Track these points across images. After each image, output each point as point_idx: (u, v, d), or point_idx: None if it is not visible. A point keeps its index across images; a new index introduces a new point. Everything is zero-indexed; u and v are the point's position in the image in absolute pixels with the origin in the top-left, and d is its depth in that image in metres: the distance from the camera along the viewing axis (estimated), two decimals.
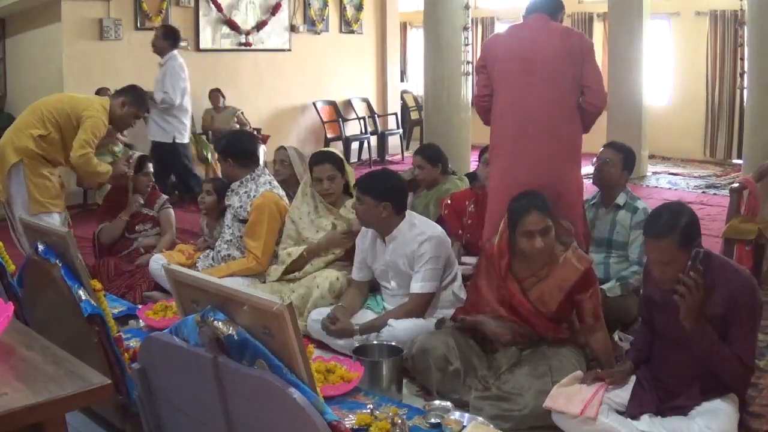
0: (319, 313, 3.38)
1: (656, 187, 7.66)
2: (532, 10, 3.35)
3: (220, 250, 3.98)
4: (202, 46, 8.05)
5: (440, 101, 6.97)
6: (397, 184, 3.31)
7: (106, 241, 4.37)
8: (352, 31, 9.69)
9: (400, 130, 10.07)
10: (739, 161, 7.00)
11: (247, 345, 1.68)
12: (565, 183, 3.19)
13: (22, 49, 7.47)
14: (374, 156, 9.56)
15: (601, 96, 3.27)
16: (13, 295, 2.49)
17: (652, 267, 2.44)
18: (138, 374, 2.03)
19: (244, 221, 3.91)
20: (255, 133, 7.39)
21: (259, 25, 8.56)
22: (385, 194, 3.20)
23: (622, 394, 2.55)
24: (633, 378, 2.59)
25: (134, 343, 2.90)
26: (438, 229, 3.31)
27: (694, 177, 8.18)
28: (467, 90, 7.00)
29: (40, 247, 2.39)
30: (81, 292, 2.27)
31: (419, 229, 3.24)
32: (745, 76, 5.71)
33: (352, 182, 3.72)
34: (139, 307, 3.57)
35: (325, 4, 9.28)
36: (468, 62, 7.01)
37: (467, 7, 7.02)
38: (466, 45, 7.00)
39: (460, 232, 4.12)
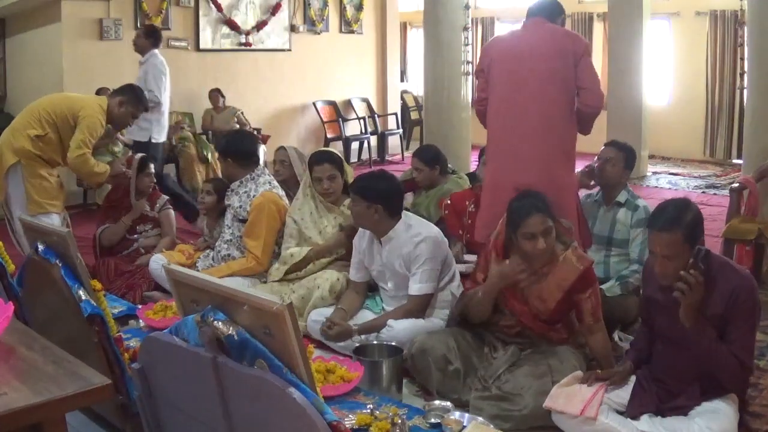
0: (319, 314, 3.37)
1: (656, 187, 7.66)
2: (531, 14, 3.39)
3: (220, 250, 3.98)
4: (202, 46, 8.06)
5: (440, 101, 6.97)
6: (390, 187, 3.27)
7: (108, 243, 4.37)
8: (352, 31, 9.69)
9: (400, 130, 10.07)
10: (739, 161, 7.01)
11: (247, 345, 1.68)
12: (558, 182, 3.18)
13: (22, 49, 7.47)
14: (374, 156, 9.56)
15: (597, 97, 3.27)
16: (13, 295, 2.49)
17: (654, 261, 2.43)
18: (138, 374, 2.03)
19: (243, 221, 3.91)
20: (255, 133, 7.39)
21: (259, 25, 8.56)
22: (376, 197, 3.19)
23: (622, 394, 2.55)
24: (633, 378, 2.59)
25: (134, 343, 2.90)
26: (434, 230, 3.31)
27: (694, 177, 8.19)
28: (467, 90, 7.01)
29: (40, 247, 2.39)
30: (81, 292, 2.27)
31: (415, 230, 3.23)
32: (745, 76, 5.71)
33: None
34: (139, 307, 3.58)
35: (325, 4, 9.28)
36: (468, 62, 7.01)
37: (467, 7, 7.03)
38: (466, 45, 7.00)
39: (460, 232, 4.12)
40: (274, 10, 8.67)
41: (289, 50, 8.93)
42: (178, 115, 7.37)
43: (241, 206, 3.92)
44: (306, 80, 9.08)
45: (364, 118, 9.48)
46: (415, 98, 10.87)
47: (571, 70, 3.20)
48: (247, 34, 8.45)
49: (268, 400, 1.65)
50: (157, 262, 3.93)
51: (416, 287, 3.20)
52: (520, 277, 2.80)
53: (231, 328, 1.69)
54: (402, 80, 11.19)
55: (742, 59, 8.27)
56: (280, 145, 4.52)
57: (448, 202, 4.20)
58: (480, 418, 2.47)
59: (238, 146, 3.98)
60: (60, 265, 2.31)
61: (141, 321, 3.36)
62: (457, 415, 2.46)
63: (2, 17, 7.56)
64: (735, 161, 8.67)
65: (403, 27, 11.69)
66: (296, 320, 1.61)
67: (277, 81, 8.79)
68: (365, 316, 3.34)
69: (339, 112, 9.32)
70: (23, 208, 3.91)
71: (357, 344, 3.01)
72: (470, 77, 7.08)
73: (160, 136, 5.75)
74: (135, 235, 4.41)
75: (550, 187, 3.03)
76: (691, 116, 9.18)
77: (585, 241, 3.36)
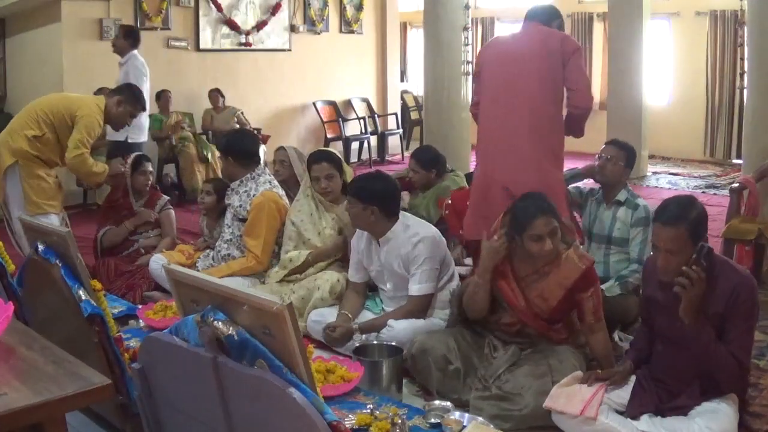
0: (319, 314, 3.37)
1: (656, 187, 7.66)
2: (527, 19, 3.44)
3: (220, 250, 3.98)
4: (202, 46, 8.06)
5: (440, 101, 6.97)
6: (386, 188, 3.26)
7: (109, 245, 4.37)
8: (352, 31, 9.70)
9: (400, 130, 10.07)
10: (739, 161, 7.00)
11: (247, 345, 1.68)
12: (547, 181, 3.17)
13: (22, 49, 7.47)
14: (374, 156, 9.56)
15: (585, 97, 3.27)
16: (13, 295, 2.50)
17: (657, 256, 2.44)
18: (138, 374, 2.03)
19: (243, 220, 3.91)
20: (255, 133, 7.39)
21: (259, 25, 8.56)
22: (372, 198, 3.18)
23: (622, 394, 2.55)
24: (633, 378, 2.59)
25: (134, 343, 2.91)
26: (432, 230, 3.31)
27: (694, 177, 8.19)
28: (467, 90, 7.00)
29: (40, 247, 2.39)
30: (81, 292, 2.27)
31: (413, 231, 3.23)
32: (745, 76, 5.71)
33: None
34: (139, 307, 3.58)
35: (325, 4, 9.28)
36: (468, 62, 7.01)
37: (467, 7, 7.02)
38: (466, 45, 7.00)
39: (461, 231, 4.12)
40: (274, 10, 8.67)
41: (289, 50, 8.93)
42: (178, 115, 7.37)
43: (241, 205, 3.92)
44: (306, 80, 9.08)
45: (364, 118, 9.48)
46: (415, 98, 10.87)
47: (559, 71, 3.21)
48: (247, 34, 8.45)
49: (268, 400, 1.65)
50: (157, 262, 3.93)
51: (416, 288, 3.20)
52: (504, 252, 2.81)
53: (231, 328, 1.69)
54: (402, 80, 11.20)
55: (742, 59, 8.26)
56: (279, 145, 4.52)
57: (449, 201, 4.20)
58: (480, 418, 2.47)
59: (240, 145, 3.98)
60: (60, 265, 2.31)
61: (141, 321, 3.36)
62: (457, 415, 2.46)
63: (2, 17, 7.56)
64: (735, 161, 8.67)
65: (403, 27, 11.69)
66: (296, 320, 1.61)
67: (277, 81, 8.79)
68: (365, 316, 3.34)
69: (339, 112, 9.32)
70: (22, 209, 3.90)
71: (357, 344, 3.02)
72: (470, 77, 7.07)
73: (138, 137, 5.65)
74: (135, 236, 4.42)
75: (538, 186, 3.04)
76: (691, 116, 9.18)
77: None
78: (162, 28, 7.68)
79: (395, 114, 10.16)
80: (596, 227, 3.63)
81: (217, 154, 7.05)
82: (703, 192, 7.23)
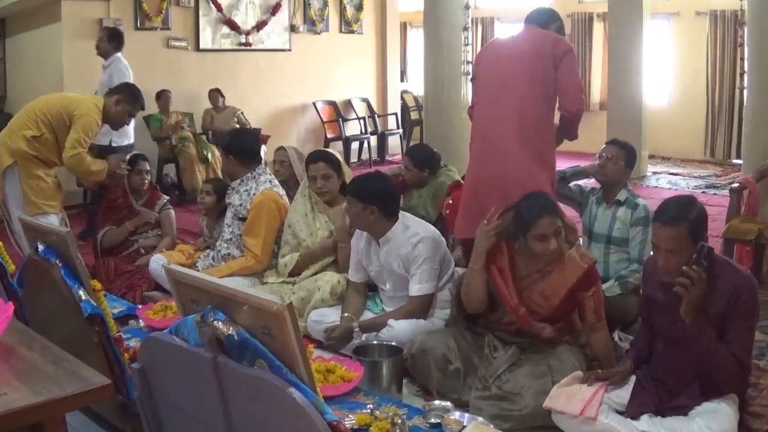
0: (320, 314, 3.37)
1: (656, 187, 7.66)
2: (526, 22, 3.45)
3: (220, 249, 3.98)
4: (202, 46, 8.06)
5: (440, 101, 6.97)
6: (385, 188, 3.27)
7: (108, 246, 4.37)
8: (352, 31, 9.70)
9: (400, 130, 10.07)
10: (739, 161, 7.00)
11: (247, 345, 1.68)
12: (534, 180, 3.17)
13: (22, 49, 7.47)
14: (374, 156, 9.56)
15: (575, 100, 3.26)
16: (13, 295, 2.50)
17: (657, 256, 2.44)
18: (138, 374, 2.03)
19: (244, 219, 3.91)
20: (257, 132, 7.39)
21: (259, 25, 8.56)
22: (371, 198, 3.18)
23: (622, 394, 2.55)
24: (633, 378, 2.59)
25: (134, 343, 2.91)
26: (431, 230, 3.31)
27: (694, 177, 8.18)
28: (467, 90, 7.00)
29: (40, 247, 2.39)
30: (81, 292, 2.27)
31: (412, 231, 3.23)
32: (745, 76, 5.71)
33: None
34: (139, 307, 3.58)
35: (325, 4, 9.28)
36: (468, 62, 7.01)
37: (467, 7, 7.03)
38: (466, 45, 7.00)
39: None
40: (274, 10, 8.67)
41: (289, 50, 8.93)
42: (178, 115, 7.38)
43: (241, 204, 3.92)
44: (306, 80, 9.08)
45: (364, 118, 9.48)
46: (415, 98, 10.87)
47: (551, 72, 3.21)
48: (247, 34, 8.45)
49: (268, 400, 1.65)
50: (157, 262, 3.93)
51: (416, 288, 3.20)
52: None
53: (231, 328, 1.69)
54: (402, 80, 11.19)
55: (742, 59, 8.26)
56: (279, 146, 4.52)
57: (449, 201, 4.20)
58: (480, 418, 2.47)
59: (241, 144, 3.99)
60: (60, 265, 2.31)
61: (141, 321, 3.36)
62: (457, 415, 2.46)
63: (2, 17, 7.56)
64: (735, 161, 8.66)
65: (403, 27, 11.69)
66: (296, 320, 1.61)
67: (277, 81, 8.79)
68: (365, 316, 3.34)
69: (339, 112, 9.32)
70: (21, 209, 3.90)
71: (357, 341, 3.01)
72: (470, 77, 7.08)
73: (122, 140, 5.59)
74: (135, 236, 4.42)
75: (525, 185, 3.05)
76: (691, 116, 9.18)
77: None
78: (162, 28, 7.67)
79: (395, 114, 10.16)
80: (596, 227, 3.63)
81: (217, 154, 7.07)
82: (703, 192, 7.23)
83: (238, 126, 7.57)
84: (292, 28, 8.94)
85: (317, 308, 3.46)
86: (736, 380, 2.42)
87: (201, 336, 1.77)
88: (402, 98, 10.71)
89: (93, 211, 5.53)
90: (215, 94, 7.73)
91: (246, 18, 8.44)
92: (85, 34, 7.00)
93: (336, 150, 8.42)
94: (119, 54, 5.74)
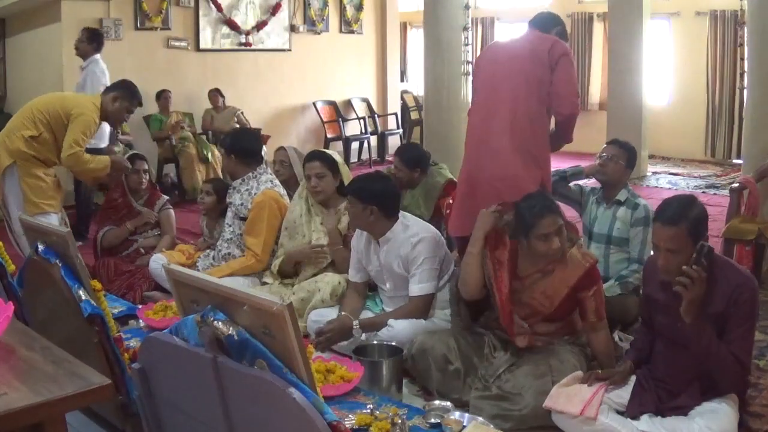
0: (319, 314, 3.37)
1: (656, 187, 7.66)
2: (529, 25, 3.45)
3: (220, 249, 3.98)
4: (202, 46, 8.06)
5: (440, 101, 6.97)
6: (385, 188, 3.27)
7: (108, 246, 4.37)
8: (352, 31, 9.70)
9: (400, 130, 10.07)
10: (739, 161, 7.00)
11: (247, 345, 1.68)
12: (525, 180, 3.16)
13: (22, 49, 7.47)
14: (374, 156, 9.56)
15: (569, 104, 3.24)
16: (13, 295, 2.49)
17: (658, 256, 2.44)
18: (138, 374, 2.03)
19: (244, 219, 3.91)
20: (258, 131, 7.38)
21: (259, 25, 8.56)
22: (371, 198, 3.18)
23: (622, 394, 2.55)
24: (633, 378, 2.59)
25: (134, 343, 2.90)
26: (431, 229, 3.31)
27: (694, 177, 8.18)
28: (467, 90, 7.00)
29: (40, 247, 2.39)
30: (81, 292, 2.27)
31: (412, 231, 3.24)
32: (745, 76, 5.70)
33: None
34: (139, 307, 3.57)
35: (325, 4, 9.29)
36: (468, 62, 7.01)
37: (467, 7, 7.02)
38: (466, 45, 7.00)
39: None
40: (274, 10, 8.67)
41: (289, 50, 8.93)
42: (178, 115, 7.38)
43: (242, 204, 3.92)
44: (306, 80, 9.08)
45: (364, 118, 9.48)
46: (415, 98, 10.87)
47: (547, 74, 3.21)
48: (247, 34, 8.45)
49: (268, 400, 1.65)
50: (157, 262, 3.93)
51: (416, 288, 3.20)
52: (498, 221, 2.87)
53: (231, 328, 1.69)
54: (402, 80, 11.20)
55: (742, 59, 8.27)
56: (279, 146, 4.52)
57: (450, 201, 4.20)
58: (480, 418, 2.47)
59: (242, 143, 3.99)
60: (60, 265, 2.31)
61: (141, 321, 3.36)
62: (457, 415, 2.46)
63: (2, 17, 7.56)
64: (735, 161, 8.66)
65: (403, 27, 11.69)
66: (296, 320, 1.61)
67: (277, 81, 8.79)
68: (365, 316, 3.34)
69: (339, 112, 9.32)
70: (21, 209, 3.90)
71: (357, 338, 3.01)
72: (470, 77, 7.08)
73: (99, 142, 5.60)
74: (135, 236, 4.42)
75: (517, 184, 3.06)
76: (691, 116, 9.18)
77: None
78: (162, 28, 7.68)
79: (395, 114, 10.16)
80: (596, 227, 3.63)
81: (218, 153, 7.08)
82: (703, 192, 7.23)
83: (238, 126, 7.57)
84: (292, 28, 8.94)
85: (317, 309, 3.46)
86: (736, 380, 2.42)
87: (201, 336, 1.77)
88: (402, 98, 10.71)
89: (81, 213, 5.52)
90: (215, 94, 7.73)
91: (246, 18, 8.44)
92: None
93: (336, 150, 8.44)
94: (98, 56, 5.67)
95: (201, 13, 8.02)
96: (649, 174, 8.28)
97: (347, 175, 3.80)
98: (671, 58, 9.47)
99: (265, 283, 3.83)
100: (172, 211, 4.56)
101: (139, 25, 7.43)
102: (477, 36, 10.70)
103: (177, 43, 7.83)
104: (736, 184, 4.49)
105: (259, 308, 1.64)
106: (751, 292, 2.37)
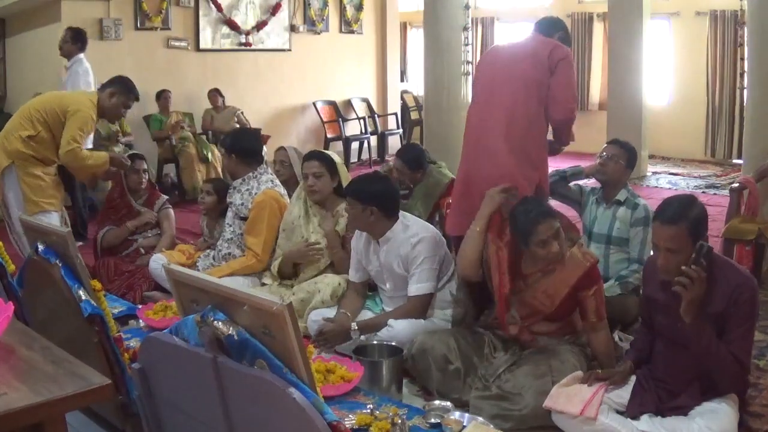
0: (319, 314, 3.37)
1: (656, 187, 7.66)
2: (533, 30, 3.45)
3: (220, 249, 3.98)
4: (202, 46, 8.06)
5: (440, 101, 6.97)
6: (384, 188, 3.28)
7: (108, 246, 4.37)
8: (352, 31, 9.70)
9: (400, 130, 10.07)
10: (739, 161, 7.00)
11: (247, 345, 1.68)
12: (520, 180, 3.16)
13: (22, 49, 7.47)
14: (374, 156, 9.56)
15: (563, 108, 3.23)
16: (13, 295, 2.49)
17: (658, 256, 2.44)
18: (138, 374, 2.03)
19: (245, 219, 3.91)
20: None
21: (259, 25, 8.57)
22: (371, 198, 3.19)
23: (622, 394, 2.55)
24: (633, 378, 2.58)
25: (134, 343, 2.90)
26: (431, 229, 3.32)
27: (694, 177, 8.19)
28: (467, 90, 7.00)
29: (40, 247, 2.39)
30: (81, 292, 2.27)
31: (412, 231, 3.24)
32: (745, 76, 5.70)
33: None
34: (139, 307, 3.57)
35: (325, 4, 9.29)
36: (468, 62, 7.01)
37: (467, 7, 7.02)
38: (466, 45, 7.00)
39: None
40: (274, 10, 8.67)
41: (289, 50, 8.93)
42: (178, 115, 7.38)
43: (242, 204, 3.92)
44: (306, 80, 9.08)
45: (364, 118, 9.48)
46: (415, 98, 10.88)
47: (546, 75, 3.21)
48: (247, 34, 8.45)
49: (268, 400, 1.64)
50: (157, 262, 3.93)
51: (415, 287, 3.20)
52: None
53: (231, 328, 1.69)
54: (402, 80, 11.20)
55: (742, 59, 8.27)
56: (280, 146, 4.52)
57: (450, 201, 4.19)
58: (480, 418, 2.47)
59: (243, 143, 3.99)
60: (60, 265, 2.31)
61: (141, 321, 3.36)
62: (457, 415, 2.46)
63: (2, 17, 7.57)
64: (735, 161, 8.66)
65: (403, 27, 11.69)
66: (296, 320, 1.61)
67: (277, 81, 8.79)
68: (365, 316, 3.34)
69: (339, 112, 9.32)
70: (21, 209, 3.90)
71: (356, 339, 3.01)
72: (470, 77, 7.08)
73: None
74: (135, 236, 4.42)
75: (511, 182, 3.07)
76: (691, 116, 9.18)
77: None
78: (162, 28, 7.68)
79: (395, 114, 10.16)
80: (596, 227, 3.63)
81: (218, 153, 7.08)
82: (703, 192, 7.23)
83: (238, 126, 7.57)
84: (292, 28, 8.95)
85: (317, 309, 3.46)
86: (736, 380, 2.42)
87: (201, 336, 1.77)
88: (402, 98, 10.72)
89: (77, 213, 5.50)
90: (214, 94, 7.73)
91: (246, 18, 8.45)
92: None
93: (336, 150, 8.44)
94: (82, 55, 5.67)
95: (201, 13, 8.02)
96: (649, 174, 8.28)
97: (346, 177, 3.80)
98: (671, 58, 9.47)
99: (264, 284, 3.83)
100: (171, 211, 4.56)
101: (139, 25, 7.43)
102: (477, 36, 10.70)
103: (177, 43, 7.83)
104: (736, 184, 4.49)
105: (259, 308, 1.64)
106: (750, 292, 2.37)
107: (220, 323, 1.71)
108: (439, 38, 6.91)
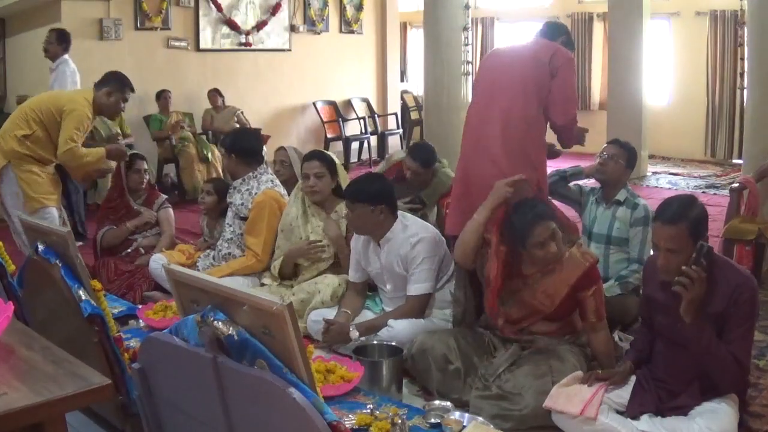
0: (319, 314, 3.37)
1: (656, 187, 7.66)
2: (536, 34, 3.45)
3: (220, 249, 3.98)
4: (202, 46, 8.06)
5: (440, 101, 6.97)
6: (385, 186, 3.32)
7: (108, 246, 4.37)
8: (352, 31, 9.70)
9: (400, 130, 10.07)
10: (739, 161, 7.00)
11: (247, 345, 1.68)
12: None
13: (22, 49, 7.47)
14: (374, 156, 9.56)
15: (563, 113, 3.21)
16: (13, 295, 2.49)
17: (658, 255, 2.44)
18: (138, 374, 2.03)
19: (245, 219, 3.91)
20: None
21: (259, 25, 8.57)
22: (378, 197, 3.19)
23: (622, 394, 2.55)
24: (633, 378, 2.59)
25: (134, 343, 2.90)
26: (431, 229, 3.32)
27: (694, 177, 8.19)
28: (467, 90, 7.00)
29: (40, 247, 2.39)
30: (81, 292, 2.27)
31: (411, 231, 3.24)
32: (745, 76, 5.70)
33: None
34: (139, 307, 3.57)
35: (325, 4, 9.29)
36: (468, 62, 7.01)
37: (467, 7, 7.03)
38: (466, 45, 7.00)
39: None
40: (274, 10, 8.67)
41: (289, 50, 8.93)
42: (178, 115, 7.38)
43: (242, 204, 3.92)
44: (306, 80, 9.08)
45: (364, 118, 9.48)
46: (415, 98, 10.88)
47: (546, 78, 3.20)
48: (247, 34, 8.45)
49: (268, 400, 1.64)
50: (157, 261, 3.93)
51: (414, 287, 3.20)
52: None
53: (231, 328, 1.69)
54: (402, 80, 11.20)
55: (742, 59, 8.27)
56: (280, 146, 4.52)
57: (449, 201, 4.18)
58: (480, 418, 2.47)
59: (243, 143, 3.99)
60: (60, 265, 2.31)
61: (141, 321, 3.36)
62: (457, 415, 2.46)
63: (2, 17, 7.57)
64: (735, 161, 8.66)
65: (403, 27, 11.69)
66: (296, 320, 1.61)
67: (277, 81, 8.79)
68: (365, 316, 3.34)
69: (339, 112, 9.32)
70: (21, 207, 3.90)
71: (355, 341, 3.01)
72: (470, 77, 7.09)
73: None
74: (135, 235, 4.42)
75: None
76: (691, 116, 9.18)
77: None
78: (162, 28, 7.69)
79: (395, 114, 10.16)
80: (596, 227, 3.63)
81: (218, 153, 7.08)
82: (703, 192, 7.23)
83: (238, 126, 7.57)
84: (292, 28, 8.95)
85: (317, 309, 3.46)
86: (736, 380, 2.42)
87: (201, 336, 1.77)
88: (402, 98, 10.72)
89: (73, 213, 5.50)
90: (214, 94, 7.74)
91: (246, 18, 8.45)
92: (85, 34, 7.00)
93: (336, 150, 8.45)
94: (66, 56, 5.65)
95: (201, 13, 8.02)
96: (649, 174, 8.28)
97: (344, 178, 3.80)
98: (671, 58, 9.47)
99: (263, 285, 3.83)
100: (170, 210, 4.56)
101: (139, 25, 7.43)
102: (477, 36, 10.70)
103: (177, 43, 7.84)
104: (736, 184, 4.49)
105: (259, 308, 1.64)
106: (750, 292, 2.37)
107: (220, 323, 1.71)
108: (439, 38, 6.91)
